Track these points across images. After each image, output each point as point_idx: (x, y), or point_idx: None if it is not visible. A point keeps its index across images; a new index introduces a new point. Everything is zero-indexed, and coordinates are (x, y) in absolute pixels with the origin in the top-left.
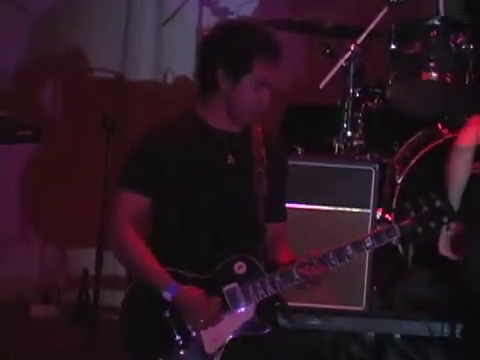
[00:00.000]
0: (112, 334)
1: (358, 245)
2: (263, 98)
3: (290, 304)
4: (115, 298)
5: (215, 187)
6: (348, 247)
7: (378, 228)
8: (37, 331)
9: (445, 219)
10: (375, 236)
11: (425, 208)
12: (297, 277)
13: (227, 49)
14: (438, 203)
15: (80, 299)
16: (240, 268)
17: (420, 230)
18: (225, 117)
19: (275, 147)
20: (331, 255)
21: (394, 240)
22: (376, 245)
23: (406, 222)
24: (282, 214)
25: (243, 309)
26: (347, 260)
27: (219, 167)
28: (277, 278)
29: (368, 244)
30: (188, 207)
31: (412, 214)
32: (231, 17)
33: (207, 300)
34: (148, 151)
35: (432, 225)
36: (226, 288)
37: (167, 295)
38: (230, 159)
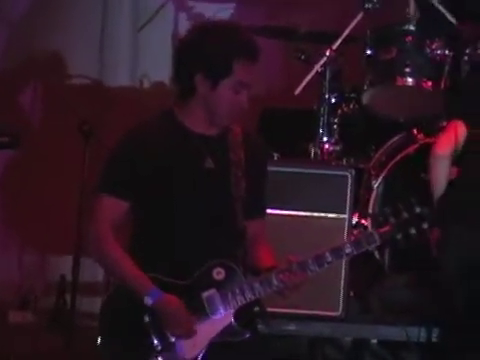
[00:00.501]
0: (89, 340)
1: (337, 251)
2: (242, 100)
3: (267, 310)
4: (92, 304)
5: (192, 190)
6: (327, 253)
7: (358, 235)
8: (15, 337)
9: (425, 225)
10: (354, 243)
11: (404, 214)
12: (276, 283)
13: (205, 53)
14: (418, 209)
15: (57, 305)
16: (219, 274)
17: (400, 236)
18: (203, 120)
19: (254, 147)
20: (310, 261)
21: (373, 247)
22: (355, 252)
23: (386, 229)
24: (260, 211)
25: (222, 315)
26: (326, 266)
27: (197, 170)
28: (256, 284)
29: (347, 251)
30: (165, 211)
31: (391, 220)
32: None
33: (186, 312)
34: (125, 154)
35: (412, 231)
36: (205, 294)
37: (148, 300)
38: (208, 162)
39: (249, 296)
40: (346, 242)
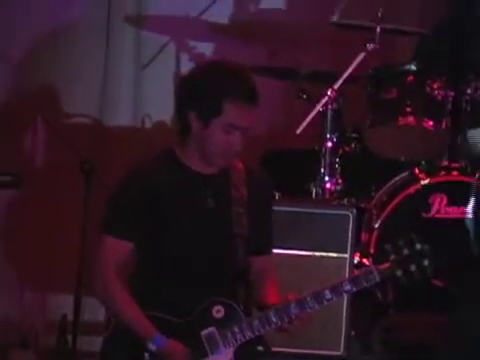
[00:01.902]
0: None
1: (336, 289)
2: (234, 142)
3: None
4: (93, 344)
5: (193, 229)
6: (326, 291)
7: (357, 272)
8: None
9: (426, 262)
10: (353, 280)
11: (405, 251)
12: (275, 320)
13: (198, 91)
14: (418, 245)
15: (58, 344)
16: (218, 312)
17: (400, 273)
18: (200, 159)
19: (257, 183)
20: (309, 298)
21: (372, 283)
22: (354, 289)
23: (385, 266)
24: (266, 247)
25: (222, 354)
26: (325, 303)
27: (198, 209)
28: (255, 322)
29: (346, 288)
30: (165, 249)
31: (392, 257)
32: None
33: (189, 358)
34: (127, 194)
35: (412, 268)
36: (204, 332)
37: (152, 347)
38: (209, 201)
39: (248, 334)
40: (345, 279)
